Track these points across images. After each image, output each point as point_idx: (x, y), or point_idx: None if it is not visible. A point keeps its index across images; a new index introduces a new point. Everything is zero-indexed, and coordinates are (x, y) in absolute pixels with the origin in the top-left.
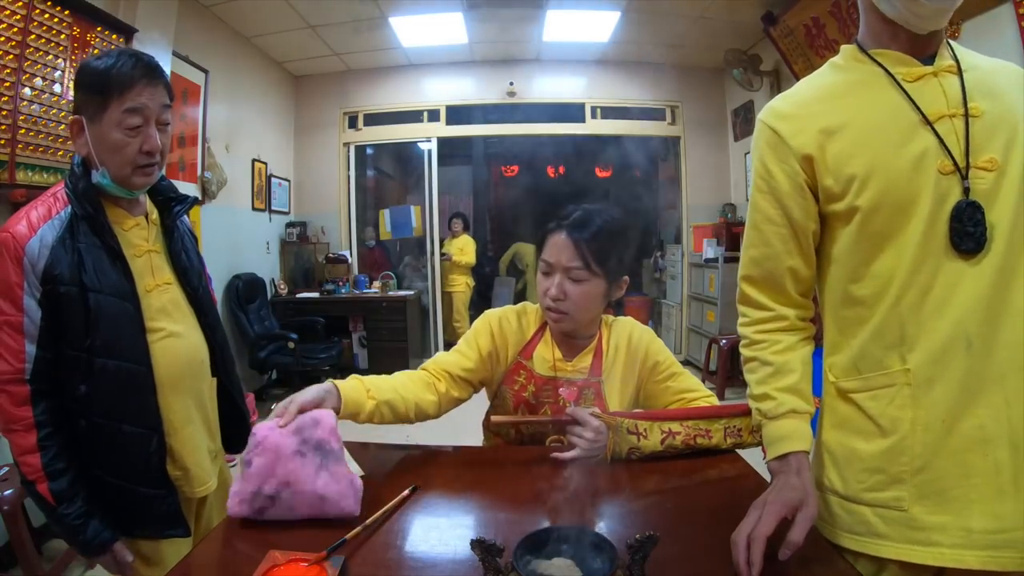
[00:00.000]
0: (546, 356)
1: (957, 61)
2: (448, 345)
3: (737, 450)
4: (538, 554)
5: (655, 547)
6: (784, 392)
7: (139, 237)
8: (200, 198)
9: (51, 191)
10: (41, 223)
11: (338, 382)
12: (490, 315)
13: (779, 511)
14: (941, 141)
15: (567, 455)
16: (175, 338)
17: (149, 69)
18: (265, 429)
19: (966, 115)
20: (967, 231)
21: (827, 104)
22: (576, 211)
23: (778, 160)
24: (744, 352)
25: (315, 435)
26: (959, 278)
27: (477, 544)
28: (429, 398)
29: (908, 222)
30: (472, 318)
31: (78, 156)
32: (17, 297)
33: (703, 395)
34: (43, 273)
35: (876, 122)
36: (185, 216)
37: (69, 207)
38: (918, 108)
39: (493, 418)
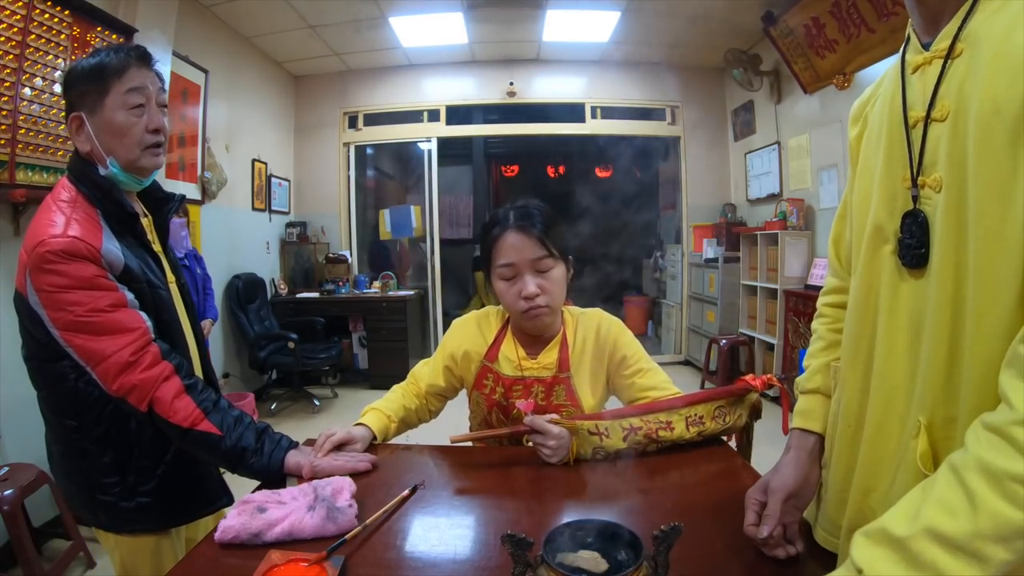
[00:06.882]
0: (511, 356)
1: (956, 37)
2: None
3: (702, 438)
4: (565, 547)
5: (679, 538)
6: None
7: (150, 236)
8: (200, 198)
9: (61, 199)
10: (94, 227)
11: (366, 420)
12: (452, 326)
13: (754, 494)
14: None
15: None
16: (186, 330)
17: (140, 53)
18: (297, 492)
19: (927, 119)
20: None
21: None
22: (510, 211)
23: None
24: None
25: (333, 501)
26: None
27: (508, 539)
28: (424, 407)
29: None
30: None
31: (74, 163)
32: (107, 284)
33: (667, 393)
34: (120, 275)
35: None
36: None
37: (97, 209)
38: (904, 110)
39: (451, 437)
